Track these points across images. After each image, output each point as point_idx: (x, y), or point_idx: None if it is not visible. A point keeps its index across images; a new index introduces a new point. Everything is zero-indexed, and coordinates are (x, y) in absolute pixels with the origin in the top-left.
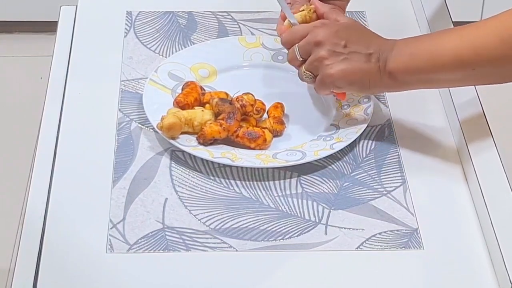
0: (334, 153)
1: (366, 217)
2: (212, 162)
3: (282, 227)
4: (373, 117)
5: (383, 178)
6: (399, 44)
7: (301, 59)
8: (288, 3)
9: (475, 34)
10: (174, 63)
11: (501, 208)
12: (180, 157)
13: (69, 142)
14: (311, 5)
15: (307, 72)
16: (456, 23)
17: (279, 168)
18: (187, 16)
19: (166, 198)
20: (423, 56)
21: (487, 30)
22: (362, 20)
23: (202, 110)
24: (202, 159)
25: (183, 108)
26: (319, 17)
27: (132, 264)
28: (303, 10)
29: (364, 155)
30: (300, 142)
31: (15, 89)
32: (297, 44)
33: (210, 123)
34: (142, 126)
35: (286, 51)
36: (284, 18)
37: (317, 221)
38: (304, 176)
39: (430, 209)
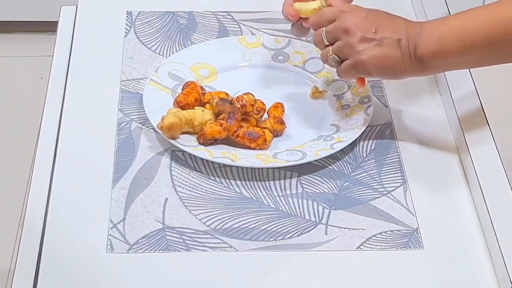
0: (334, 153)
1: (366, 217)
2: (212, 162)
3: (282, 227)
4: (373, 117)
5: (383, 178)
6: (427, 28)
7: (327, 43)
8: None
9: (504, 12)
10: (174, 63)
11: (502, 209)
12: (180, 157)
13: (69, 142)
14: None
15: (334, 56)
16: None
17: (279, 168)
18: (187, 16)
19: (166, 198)
20: (453, 40)
21: None
22: None
23: (202, 110)
24: (202, 159)
25: (183, 108)
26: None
27: (132, 264)
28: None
29: (364, 155)
30: (300, 142)
31: (15, 89)
32: (324, 28)
33: (210, 123)
34: (142, 126)
35: (288, 52)
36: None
37: (317, 221)
38: (304, 176)
39: (430, 209)
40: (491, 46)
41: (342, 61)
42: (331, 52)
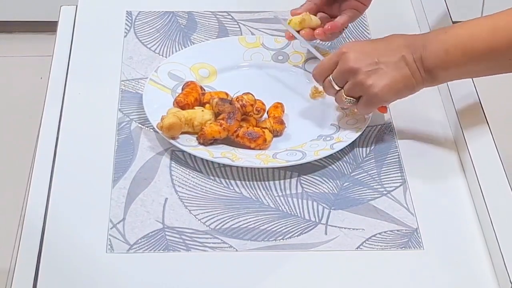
0: (334, 153)
1: (366, 217)
2: (212, 162)
3: (282, 227)
4: (373, 117)
5: (383, 178)
6: (431, 39)
7: (338, 88)
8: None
9: (509, 23)
10: (174, 63)
11: (501, 209)
12: (180, 157)
13: (69, 142)
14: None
15: (349, 98)
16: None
17: (279, 168)
18: (187, 16)
19: (166, 198)
20: (459, 51)
21: None
22: (363, 22)
23: (202, 110)
24: (202, 159)
25: (183, 108)
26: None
27: (132, 264)
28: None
29: (364, 155)
30: (300, 142)
31: (15, 89)
32: (330, 76)
33: (210, 123)
34: (142, 126)
35: (288, 52)
36: (290, 37)
37: (317, 221)
38: (304, 176)
39: (430, 209)
40: (498, 56)
41: (357, 98)
42: (344, 95)
